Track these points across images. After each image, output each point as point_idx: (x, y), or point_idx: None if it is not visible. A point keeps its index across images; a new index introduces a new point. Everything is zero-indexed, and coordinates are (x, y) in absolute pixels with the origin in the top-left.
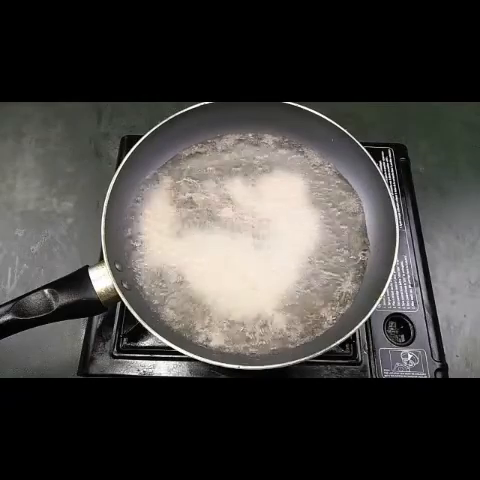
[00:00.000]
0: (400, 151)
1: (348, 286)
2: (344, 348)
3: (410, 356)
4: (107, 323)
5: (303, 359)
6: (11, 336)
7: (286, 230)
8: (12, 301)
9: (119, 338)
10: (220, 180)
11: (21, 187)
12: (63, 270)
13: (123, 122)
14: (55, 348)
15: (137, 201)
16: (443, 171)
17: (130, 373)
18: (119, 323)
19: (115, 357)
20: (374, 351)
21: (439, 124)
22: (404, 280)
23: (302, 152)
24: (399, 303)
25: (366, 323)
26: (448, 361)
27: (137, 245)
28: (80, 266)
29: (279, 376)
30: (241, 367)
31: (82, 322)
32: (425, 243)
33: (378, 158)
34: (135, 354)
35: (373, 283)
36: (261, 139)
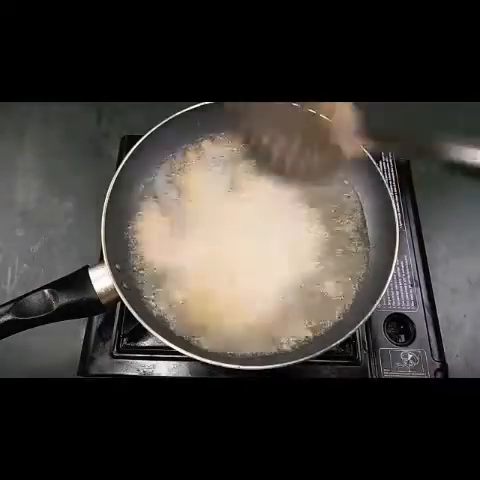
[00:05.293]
0: None
1: (348, 286)
2: (344, 348)
3: (410, 356)
4: (107, 323)
5: (303, 359)
6: (11, 336)
7: (285, 231)
8: (12, 301)
9: (119, 338)
10: (220, 180)
11: (21, 187)
12: (63, 270)
13: (123, 122)
14: (55, 348)
15: (137, 201)
16: (443, 171)
17: (130, 373)
18: (119, 323)
19: (115, 357)
20: (374, 351)
21: (439, 124)
22: (404, 280)
23: None
24: (399, 303)
25: (366, 323)
26: (448, 361)
27: (137, 245)
28: (80, 266)
29: (279, 376)
30: (241, 367)
31: (82, 322)
32: (425, 243)
33: (378, 158)
34: (135, 354)
35: (373, 283)
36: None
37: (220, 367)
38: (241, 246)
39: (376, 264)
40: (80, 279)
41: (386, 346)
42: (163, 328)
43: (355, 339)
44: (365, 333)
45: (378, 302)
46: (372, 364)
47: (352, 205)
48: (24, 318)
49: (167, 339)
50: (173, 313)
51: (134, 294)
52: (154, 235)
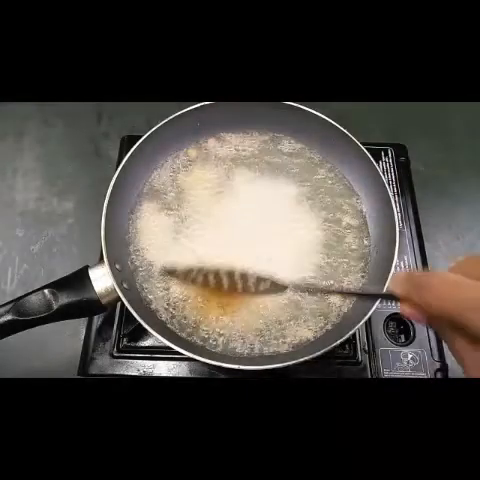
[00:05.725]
0: (400, 151)
1: (348, 286)
2: (344, 348)
3: (410, 356)
4: (107, 323)
5: (303, 359)
6: (11, 336)
7: (285, 231)
8: (12, 301)
9: (119, 338)
10: (219, 180)
11: (21, 187)
12: (63, 270)
13: (123, 122)
14: (55, 348)
15: (137, 201)
16: (443, 171)
17: (130, 373)
18: (119, 323)
19: (115, 357)
20: (374, 351)
21: (439, 124)
22: None
23: (302, 152)
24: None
25: (366, 323)
26: (448, 361)
27: (137, 245)
28: (80, 266)
29: (279, 376)
30: (241, 367)
31: (82, 322)
32: (425, 243)
33: (378, 158)
34: (135, 354)
35: (373, 283)
36: (261, 139)
37: (220, 367)
38: (241, 246)
39: (376, 264)
40: (80, 279)
41: (386, 346)
42: (163, 328)
43: (355, 339)
44: (365, 333)
45: (378, 302)
46: (372, 364)
47: (352, 205)
48: (24, 318)
49: (167, 339)
50: (173, 313)
51: (134, 294)
52: (154, 235)
